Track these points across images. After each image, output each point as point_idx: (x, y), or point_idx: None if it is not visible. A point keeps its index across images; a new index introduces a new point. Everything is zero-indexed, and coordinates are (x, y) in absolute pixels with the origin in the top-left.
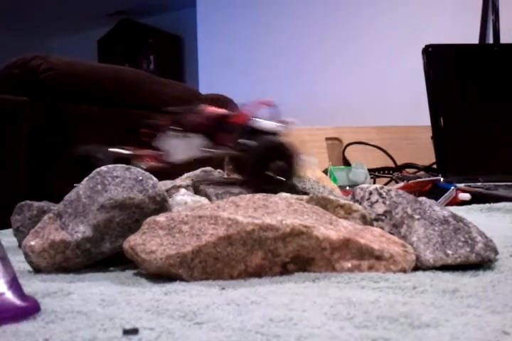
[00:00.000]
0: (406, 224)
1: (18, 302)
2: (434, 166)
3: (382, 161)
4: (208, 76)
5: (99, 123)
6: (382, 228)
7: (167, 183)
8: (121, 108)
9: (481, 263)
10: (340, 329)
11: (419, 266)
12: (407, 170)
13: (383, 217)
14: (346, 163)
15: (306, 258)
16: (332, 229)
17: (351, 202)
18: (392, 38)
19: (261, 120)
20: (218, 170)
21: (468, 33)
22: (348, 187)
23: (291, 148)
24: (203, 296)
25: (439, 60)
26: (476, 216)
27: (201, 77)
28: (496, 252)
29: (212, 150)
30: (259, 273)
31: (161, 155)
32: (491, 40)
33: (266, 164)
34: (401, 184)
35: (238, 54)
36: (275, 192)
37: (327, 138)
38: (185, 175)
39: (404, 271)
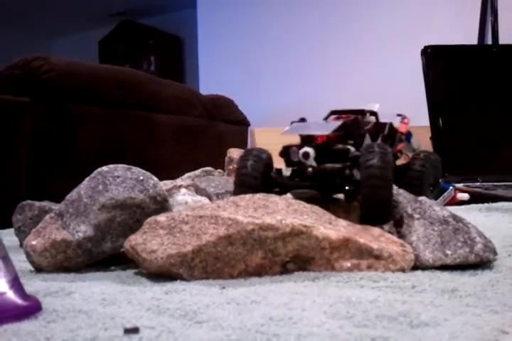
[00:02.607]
0: (406, 223)
1: (19, 301)
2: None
3: None
4: (209, 77)
5: (99, 123)
6: (381, 227)
7: (168, 183)
8: (122, 108)
9: (480, 264)
10: (340, 328)
11: (418, 266)
12: None
13: None
14: None
15: (305, 257)
16: (331, 228)
17: None
18: (392, 38)
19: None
20: (219, 170)
21: (467, 34)
22: None
23: None
24: (203, 295)
25: (438, 60)
26: (475, 216)
27: (201, 78)
28: (495, 253)
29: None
30: (259, 272)
31: None
32: (489, 41)
33: None
34: None
35: (238, 55)
36: None
37: None
38: (186, 174)
39: (403, 270)
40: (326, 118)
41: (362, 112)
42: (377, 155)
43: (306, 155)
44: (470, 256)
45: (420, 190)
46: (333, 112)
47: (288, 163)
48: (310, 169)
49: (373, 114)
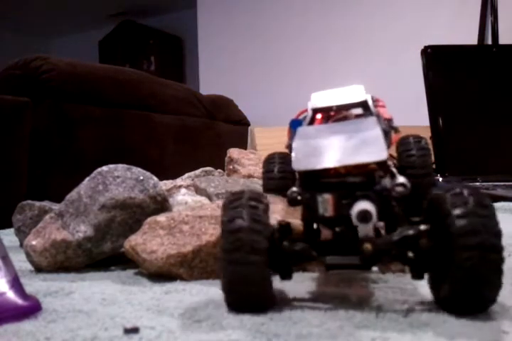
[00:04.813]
0: None
1: (19, 301)
2: (433, 166)
3: None
4: (209, 77)
5: (99, 123)
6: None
7: (168, 183)
8: (122, 108)
9: None
10: (340, 329)
11: None
12: None
13: None
14: None
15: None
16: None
17: None
18: (392, 38)
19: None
20: (219, 170)
21: (467, 34)
22: None
23: None
24: (203, 295)
25: (437, 60)
26: None
27: (202, 78)
28: None
29: None
30: None
31: None
32: (489, 41)
33: None
34: None
35: (238, 55)
36: None
37: None
38: (186, 174)
39: (403, 271)
40: (310, 122)
41: (351, 106)
42: (469, 198)
43: (365, 216)
44: None
45: (429, 178)
46: (315, 111)
47: (311, 210)
48: (369, 246)
49: (362, 105)
